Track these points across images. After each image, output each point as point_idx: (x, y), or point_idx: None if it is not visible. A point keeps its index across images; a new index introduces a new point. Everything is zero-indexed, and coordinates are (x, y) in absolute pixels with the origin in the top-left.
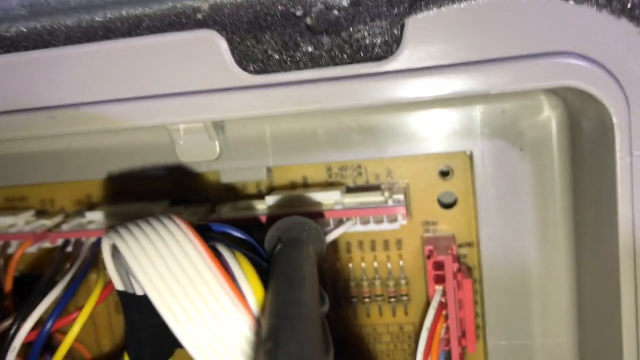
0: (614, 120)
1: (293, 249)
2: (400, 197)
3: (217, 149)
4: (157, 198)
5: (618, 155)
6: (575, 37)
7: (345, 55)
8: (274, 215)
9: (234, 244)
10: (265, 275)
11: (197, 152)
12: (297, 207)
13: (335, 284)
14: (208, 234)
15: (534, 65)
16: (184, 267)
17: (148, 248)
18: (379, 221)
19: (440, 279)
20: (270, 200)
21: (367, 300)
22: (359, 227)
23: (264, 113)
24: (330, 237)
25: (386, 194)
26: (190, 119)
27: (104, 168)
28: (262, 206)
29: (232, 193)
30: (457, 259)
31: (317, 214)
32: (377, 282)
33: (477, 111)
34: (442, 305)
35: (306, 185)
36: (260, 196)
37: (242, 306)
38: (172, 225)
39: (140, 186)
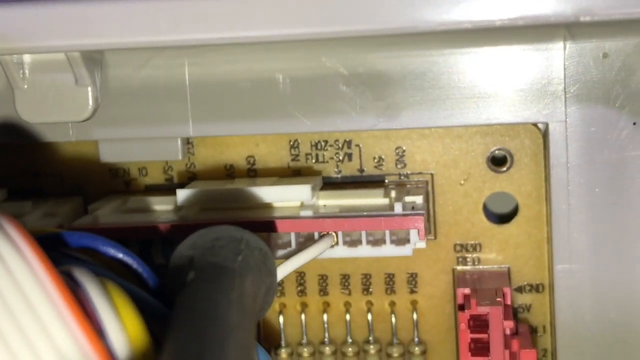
0: None
1: (212, 284)
2: (418, 199)
3: (90, 101)
4: None
5: None
6: None
7: None
8: (189, 225)
9: (110, 272)
10: (161, 327)
11: (53, 107)
12: (232, 212)
13: (296, 349)
14: (64, 252)
15: None
16: (14, 309)
17: None
18: (378, 241)
19: (481, 348)
20: (184, 196)
21: None
22: (342, 251)
23: (177, 40)
24: (287, 267)
25: (393, 193)
26: (41, 45)
27: None
28: (168, 206)
29: (121, 182)
30: (514, 312)
31: (265, 225)
32: (372, 348)
33: (558, 54)
34: None
35: (252, 172)
36: (170, 189)
37: None
38: None
39: None
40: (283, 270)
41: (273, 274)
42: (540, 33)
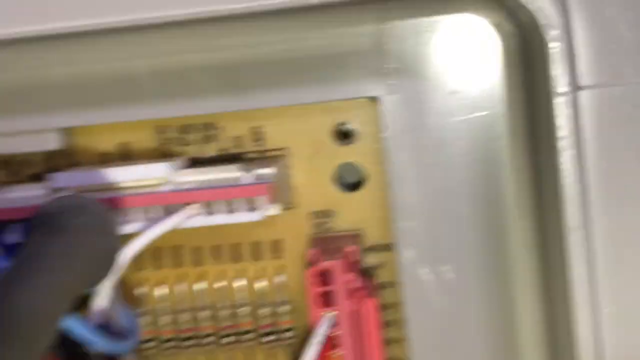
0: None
1: (43, 236)
2: (268, 170)
3: None
4: None
5: None
6: None
7: None
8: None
9: None
10: None
11: None
12: (102, 193)
13: (177, 317)
14: None
15: None
16: None
17: None
18: (232, 210)
19: (328, 300)
20: (58, 179)
21: (227, 340)
22: (199, 220)
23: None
24: (148, 235)
25: (249, 167)
26: None
27: None
28: (46, 191)
29: (7, 174)
30: (365, 271)
31: (123, 200)
32: (244, 311)
33: (379, 31)
34: (331, 343)
35: (125, 157)
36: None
37: None
38: None
39: None
40: (138, 243)
41: (114, 236)
42: (359, 12)
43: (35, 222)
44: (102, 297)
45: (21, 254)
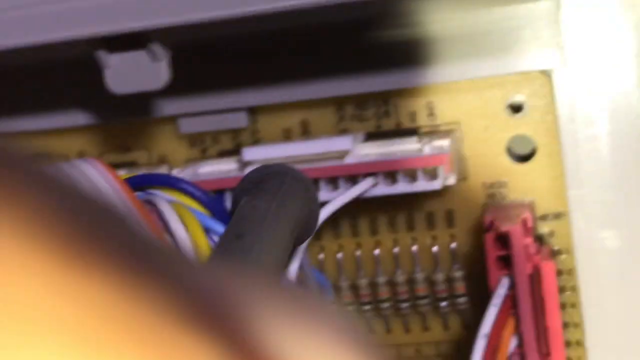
0: None
1: (254, 200)
2: (444, 142)
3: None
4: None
5: None
6: None
7: None
8: None
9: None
10: None
11: (134, 80)
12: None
13: (356, 283)
14: (148, 190)
15: None
16: None
17: None
18: (412, 179)
19: (505, 263)
20: (248, 153)
21: (404, 305)
22: (382, 189)
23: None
24: (337, 202)
25: (425, 140)
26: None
27: None
28: (235, 165)
29: (198, 151)
30: (539, 238)
31: (312, 171)
32: (420, 277)
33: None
34: (510, 303)
35: (307, 133)
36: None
37: None
38: (86, 167)
39: (40, 140)
40: (327, 209)
41: (314, 201)
42: None
43: (242, 188)
44: (297, 257)
45: (239, 217)
